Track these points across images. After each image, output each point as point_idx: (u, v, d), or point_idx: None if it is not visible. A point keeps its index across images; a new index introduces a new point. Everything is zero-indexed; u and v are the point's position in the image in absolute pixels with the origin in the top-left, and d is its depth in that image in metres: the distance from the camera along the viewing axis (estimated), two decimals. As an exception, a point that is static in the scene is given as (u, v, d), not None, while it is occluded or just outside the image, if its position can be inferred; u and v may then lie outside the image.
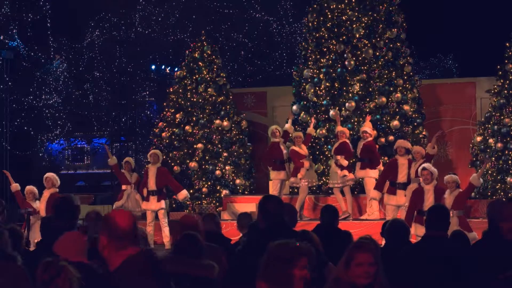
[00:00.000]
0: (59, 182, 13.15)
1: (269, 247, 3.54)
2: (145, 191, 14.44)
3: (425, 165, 11.38)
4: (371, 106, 15.32)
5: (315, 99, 15.60)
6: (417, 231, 10.97)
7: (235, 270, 5.13)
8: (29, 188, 13.01)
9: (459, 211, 11.25)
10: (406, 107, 15.33)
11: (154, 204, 14.37)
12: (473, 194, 13.53)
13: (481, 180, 12.50)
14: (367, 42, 15.49)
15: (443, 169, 13.88)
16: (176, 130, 16.73)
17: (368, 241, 4.20)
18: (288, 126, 15.31)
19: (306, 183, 14.45)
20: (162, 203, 14.42)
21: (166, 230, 14.08)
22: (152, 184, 14.35)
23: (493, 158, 14.90)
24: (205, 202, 16.23)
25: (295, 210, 7.17)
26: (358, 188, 15.04)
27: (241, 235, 7.55)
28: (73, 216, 5.54)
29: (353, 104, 15.10)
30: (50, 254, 4.33)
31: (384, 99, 15.19)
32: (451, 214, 9.59)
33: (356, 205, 14.84)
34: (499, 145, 14.85)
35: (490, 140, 15.03)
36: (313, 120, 15.15)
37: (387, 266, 5.38)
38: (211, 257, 5.28)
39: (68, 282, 3.91)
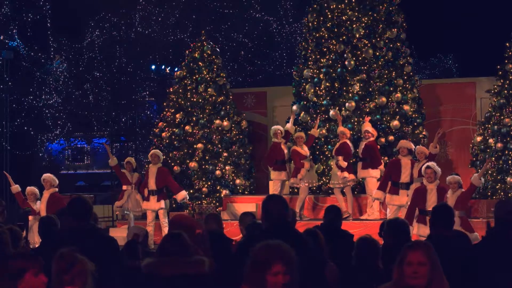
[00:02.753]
0: (57, 181, 13.17)
1: (251, 250, 3.48)
2: (145, 191, 14.46)
3: (430, 163, 11.38)
4: (371, 106, 15.31)
5: (315, 99, 15.59)
6: (419, 231, 10.96)
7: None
8: (30, 189, 13.02)
9: (461, 212, 11.22)
10: (406, 107, 15.33)
11: (154, 204, 14.38)
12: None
13: (482, 180, 12.49)
14: (367, 42, 15.48)
15: (443, 169, 13.84)
16: (176, 130, 16.72)
17: (421, 241, 4.05)
18: (289, 126, 15.31)
19: (306, 184, 14.44)
20: (162, 203, 14.43)
21: (166, 230, 14.05)
22: (152, 184, 14.37)
23: (493, 158, 14.90)
24: (205, 202, 16.22)
25: (293, 211, 7.15)
26: (358, 188, 15.04)
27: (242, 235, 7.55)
28: (89, 216, 5.60)
29: (353, 104, 15.10)
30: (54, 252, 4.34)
31: (384, 99, 15.18)
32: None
33: (356, 205, 14.84)
34: (499, 145, 14.84)
35: (490, 140, 15.03)
36: (317, 121, 15.10)
37: (386, 266, 5.40)
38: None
39: (83, 273, 3.93)
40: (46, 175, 13.20)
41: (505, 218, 5.66)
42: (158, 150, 15.11)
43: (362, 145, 14.22)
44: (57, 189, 13.05)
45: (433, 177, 11.01)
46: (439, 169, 11.31)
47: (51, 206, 12.21)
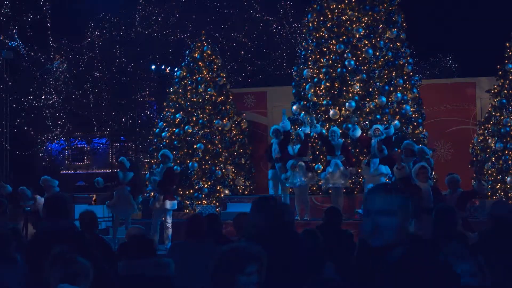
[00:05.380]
0: (55, 182, 13.20)
1: (218, 252, 3.46)
2: None
3: (424, 163, 11.26)
4: (371, 106, 15.31)
5: (315, 99, 15.60)
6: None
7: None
8: (20, 189, 13.15)
9: (461, 212, 11.16)
10: (406, 107, 15.33)
11: (159, 204, 14.15)
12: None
13: (484, 183, 12.37)
14: (367, 42, 15.49)
15: (443, 169, 13.88)
16: (176, 130, 16.73)
17: None
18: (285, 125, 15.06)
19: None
20: (167, 203, 14.09)
21: (168, 231, 13.90)
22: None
23: (493, 158, 14.91)
24: (205, 202, 16.23)
25: (292, 210, 7.08)
26: (358, 188, 15.01)
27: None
28: (66, 214, 5.29)
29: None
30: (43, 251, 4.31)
31: (384, 99, 15.18)
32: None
33: (357, 205, 14.78)
34: (499, 145, 14.85)
35: (490, 140, 15.04)
36: (308, 119, 14.94)
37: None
38: None
39: (80, 272, 3.93)
40: (43, 179, 13.26)
41: (500, 218, 5.69)
42: (166, 150, 14.80)
43: (376, 142, 13.88)
44: (58, 189, 13.06)
45: (426, 177, 10.82)
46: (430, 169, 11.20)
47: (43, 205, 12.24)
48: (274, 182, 14.81)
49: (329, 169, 13.99)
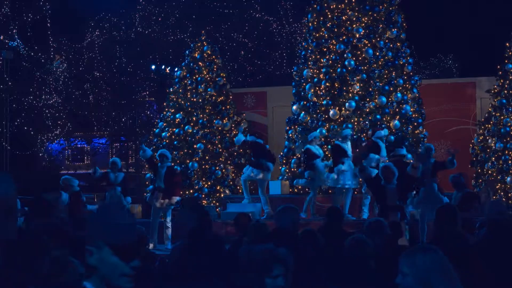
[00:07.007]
0: (75, 181, 12.93)
1: (242, 254, 3.44)
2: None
3: (389, 163, 10.84)
4: (371, 106, 15.30)
5: (315, 99, 15.60)
6: None
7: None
8: None
9: (463, 213, 11.08)
10: (406, 107, 15.32)
11: (159, 203, 14.10)
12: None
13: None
14: (367, 42, 15.49)
15: (443, 169, 13.84)
16: (176, 130, 16.73)
17: (416, 247, 3.39)
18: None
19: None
20: (173, 199, 13.97)
21: (168, 231, 13.89)
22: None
23: (493, 158, 14.90)
24: (205, 202, 16.22)
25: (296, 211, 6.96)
26: (358, 188, 14.99)
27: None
28: (47, 214, 5.40)
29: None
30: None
31: (384, 99, 15.18)
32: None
33: (358, 205, 14.76)
34: (499, 145, 14.86)
35: (490, 140, 15.04)
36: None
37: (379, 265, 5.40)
38: None
39: (75, 275, 3.97)
40: (63, 178, 13.07)
41: (496, 219, 5.70)
42: (164, 150, 14.79)
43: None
44: (77, 188, 12.94)
45: (391, 178, 10.51)
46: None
47: (74, 207, 12.24)
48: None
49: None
